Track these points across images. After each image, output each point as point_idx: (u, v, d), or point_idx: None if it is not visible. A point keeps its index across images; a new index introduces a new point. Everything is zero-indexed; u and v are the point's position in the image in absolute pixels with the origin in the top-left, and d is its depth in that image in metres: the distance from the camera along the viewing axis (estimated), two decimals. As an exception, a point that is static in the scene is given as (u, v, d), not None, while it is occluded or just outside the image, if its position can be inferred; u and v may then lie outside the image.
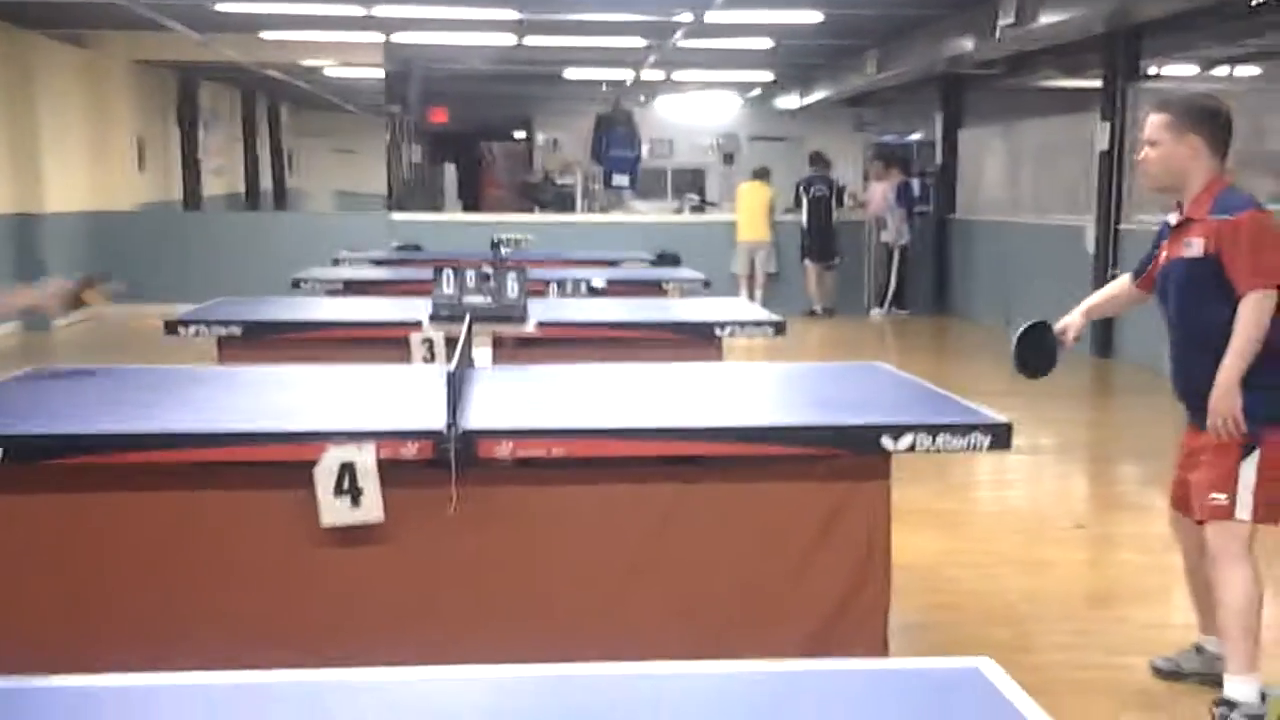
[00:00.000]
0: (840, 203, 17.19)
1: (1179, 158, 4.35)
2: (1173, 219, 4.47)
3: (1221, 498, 4.26)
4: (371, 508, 3.93)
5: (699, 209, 20.57)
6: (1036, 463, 8.73)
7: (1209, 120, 4.38)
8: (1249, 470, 4.23)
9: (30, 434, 3.97)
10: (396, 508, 3.97)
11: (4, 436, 3.86)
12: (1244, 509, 4.24)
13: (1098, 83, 13.42)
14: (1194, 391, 4.38)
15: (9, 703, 2.17)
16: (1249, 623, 4.28)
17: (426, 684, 2.30)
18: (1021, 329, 4.84)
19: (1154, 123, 4.41)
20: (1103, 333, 12.82)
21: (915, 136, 23.74)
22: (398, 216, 17.23)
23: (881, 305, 16.76)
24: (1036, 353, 4.84)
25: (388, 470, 3.92)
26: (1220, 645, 4.50)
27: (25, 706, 2.16)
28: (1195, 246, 4.30)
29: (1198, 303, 4.31)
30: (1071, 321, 4.83)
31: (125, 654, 3.68)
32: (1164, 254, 4.51)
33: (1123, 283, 4.89)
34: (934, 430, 4.08)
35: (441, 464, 3.89)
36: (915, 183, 18.04)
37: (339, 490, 3.92)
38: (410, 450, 3.92)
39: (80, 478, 3.91)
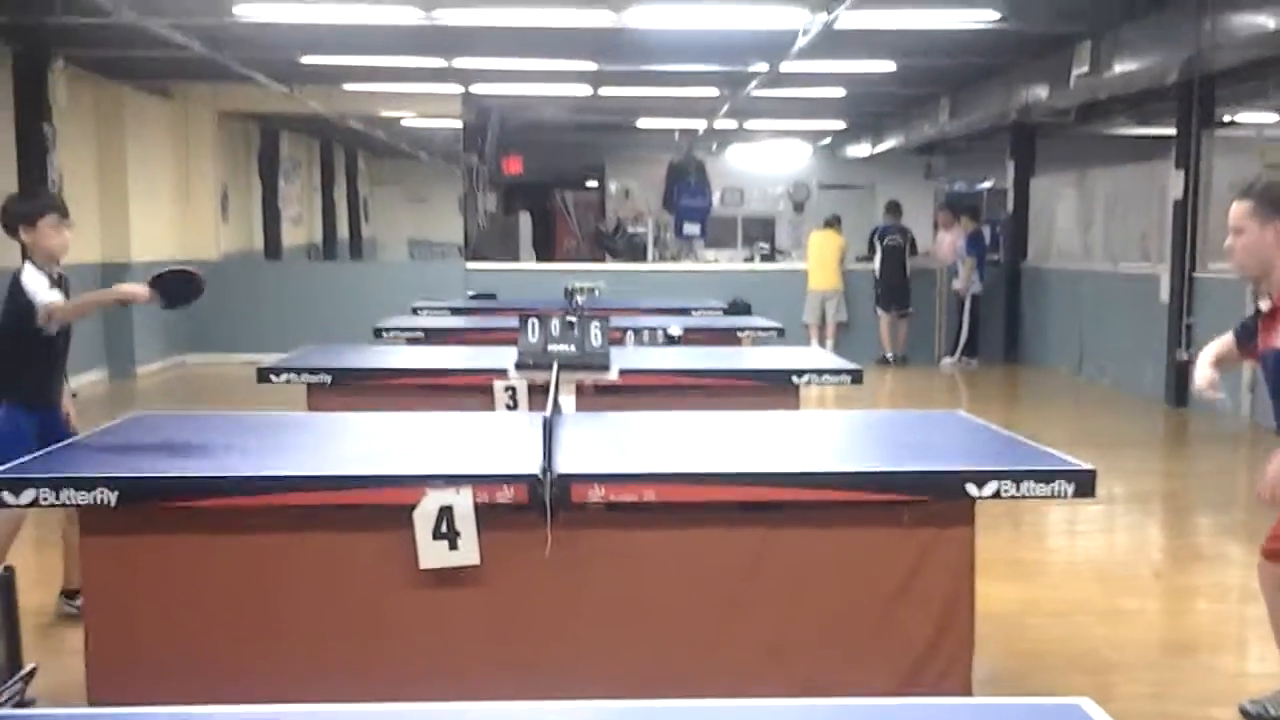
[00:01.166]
0: (914, 252, 17.22)
1: (1265, 245, 4.39)
2: (1264, 305, 4.49)
3: None
4: (469, 550, 4.06)
5: (769, 257, 20.69)
6: (1110, 512, 8.72)
7: None
8: None
9: (143, 476, 4.13)
10: (492, 550, 4.10)
11: (118, 480, 4.03)
12: None
13: (1172, 130, 13.42)
14: None
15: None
16: None
17: (520, 716, 2.39)
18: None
19: (1237, 211, 4.46)
20: (1176, 381, 12.77)
21: (986, 184, 23.73)
22: (472, 265, 17.47)
23: (953, 354, 16.75)
24: None
25: (484, 513, 4.05)
26: None
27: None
28: None
29: None
30: (1211, 378, 4.71)
31: (230, 689, 3.83)
32: (1261, 339, 4.53)
33: (1228, 341, 4.82)
34: (1018, 477, 4.16)
35: (536, 508, 4.01)
36: (986, 230, 18.03)
37: (437, 533, 4.05)
38: (506, 494, 4.05)
39: (192, 520, 4.08)
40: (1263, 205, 4.40)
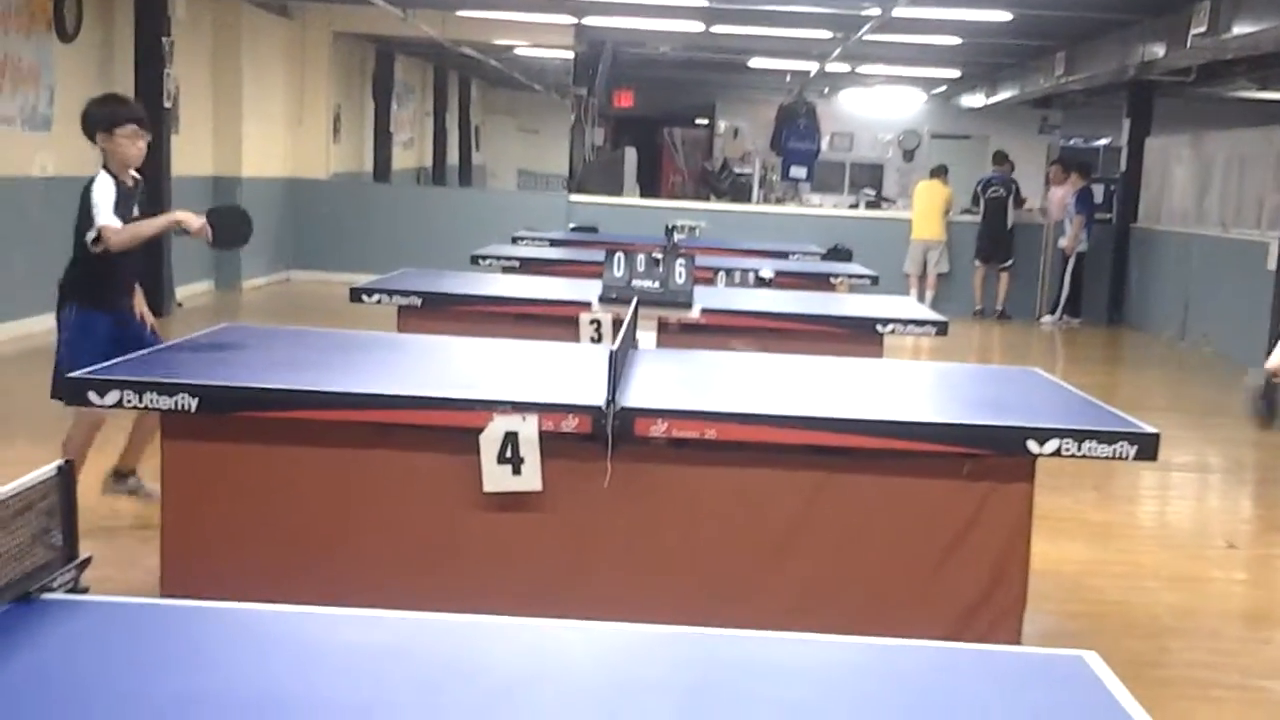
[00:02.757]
0: (1019, 204, 16.99)
1: None
2: None
3: None
4: (531, 476, 4.16)
5: (875, 205, 20.53)
6: (1201, 480, 8.64)
7: None
8: None
9: (222, 385, 4.28)
10: (554, 478, 4.20)
11: (199, 387, 4.17)
12: None
13: (1293, 96, 13.12)
14: None
15: (206, 622, 2.44)
16: None
17: (576, 633, 2.50)
18: (1260, 384, 4.81)
19: None
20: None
21: (1102, 141, 23.32)
22: (576, 198, 17.55)
23: (1054, 312, 16.55)
24: (1271, 403, 4.81)
25: (548, 442, 4.15)
26: None
27: (220, 627, 2.43)
28: None
29: None
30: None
31: (296, 595, 3.97)
32: None
33: None
34: (1080, 436, 4.15)
35: (599, 439, 4.10)
36: (1097, 189, 17.73)
37: (502, 458, 4.15)
38: (570, 423, 4.14)
39: (267, 430, 4.23)
40: None
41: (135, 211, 5.68)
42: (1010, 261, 16.75)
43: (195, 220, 5.47)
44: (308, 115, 17.55)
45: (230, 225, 5.63)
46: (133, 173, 5.72)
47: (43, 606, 2.30)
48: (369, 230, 16.79)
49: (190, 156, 14.05)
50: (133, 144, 5.63)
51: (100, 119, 5.65)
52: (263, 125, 16.03)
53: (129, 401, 4.16)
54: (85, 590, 2.40)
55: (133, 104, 6.03)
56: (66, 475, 2.35)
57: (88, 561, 2.41)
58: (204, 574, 4.19)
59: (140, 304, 5.87)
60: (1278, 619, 5.97)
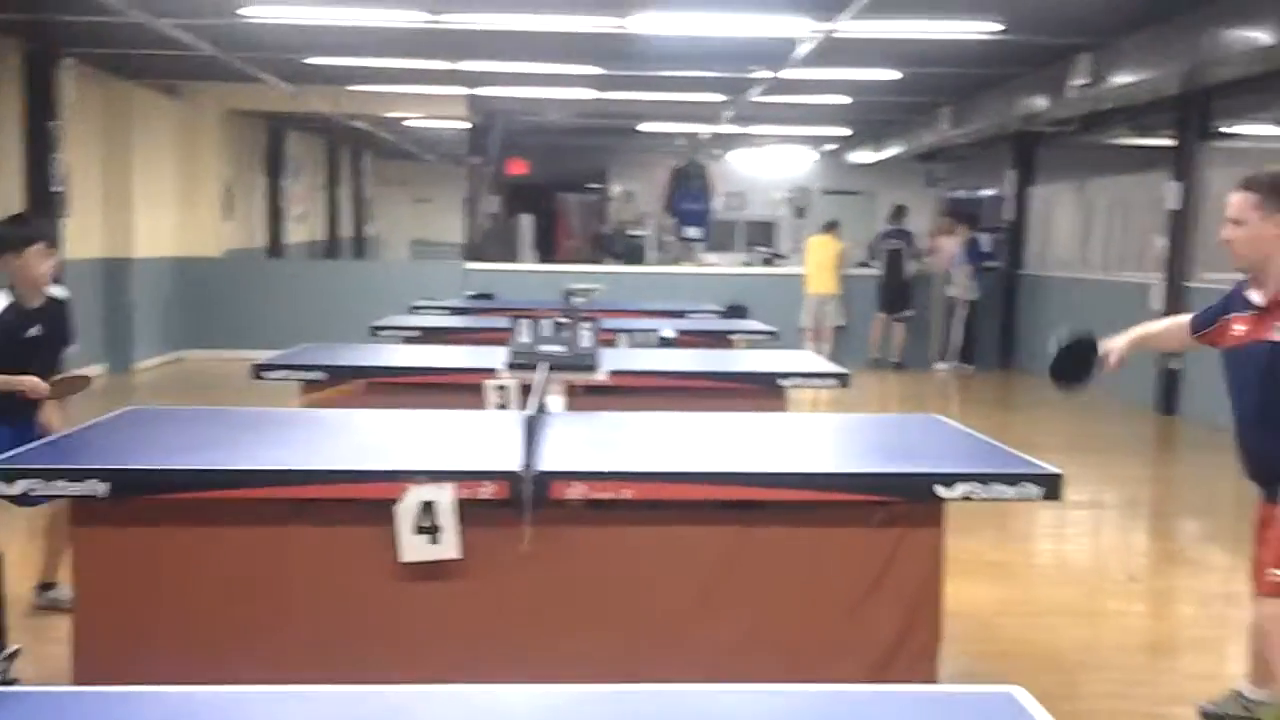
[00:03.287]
0: (916, 255, 17.34)
1: (1266, 238, 4.35)
2: (1256, 297, 4.45)
3: (1278, 574, 4.26)
4: (450, 544, 4.18)
5: (769, 262, 20.80)
6: (1097, 517, 8.84)
7: None
8: None
9: (133, 469, 4.25)
10: (473, 544, 4.22)
11: (109, 471, 4.14)
12: None
13: (1169, 142, 13.53)
14: (1270, 469, 4.40)
15: (134, 707, 2.43)
16: None
17: (493, 698, 2.52)
18: (1066, 341, 4.91)
19: (1238, 202, 4.41)
20: (1166, 390, 12.88)
21: (987, 192, 23.82)
22: (472, 266, 17.59)
23: (945, 359, 16.86)
24: (1075, 365, 4.91)
25: (465, 509, 4.17)
26: (1265, 694, 4.63)
27: (145, 712, 2.42)
28: None
29: (1277, 384, 4.32)
30: (1119, 347, 4.85)
31: (213, 676, 3.94)
32: (1237, 330, 4.50)
33: (1178, 324, 4.91)
34: (986, 479, 4.27)
35: (516, 504, 4.13)
36: (984, 238, 18.15)
37: (419, 527, 4.17)
38: (487, 490, 4.16)
39: (180, 511, 4.19)
40: (1267, 197, 4.36)
41: (37, 331, 5.70)
42: (909, 312, 17.06)
43: (41, 386, 5.60)
44: (199, 193, 17.45)
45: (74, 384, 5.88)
46: (51, 290, 5.74)
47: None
48: (263, 307, 16.68)
49: (81, 239, 13.90)
50: (41, 263, 5.67)
51: (10, 239, 5.67)
52: (154, 205, 15.90)
53: (35, 490, 4.10)
54: (15, 682, 2.39)
55: (41, 223, 6.09)
56: (-4, 566, 2.35)
57: (16, 653, 2.40)
58: (119, 660, 4.14)
59: (48, 413, 5.81)
60: (1180, 648, 6.13)
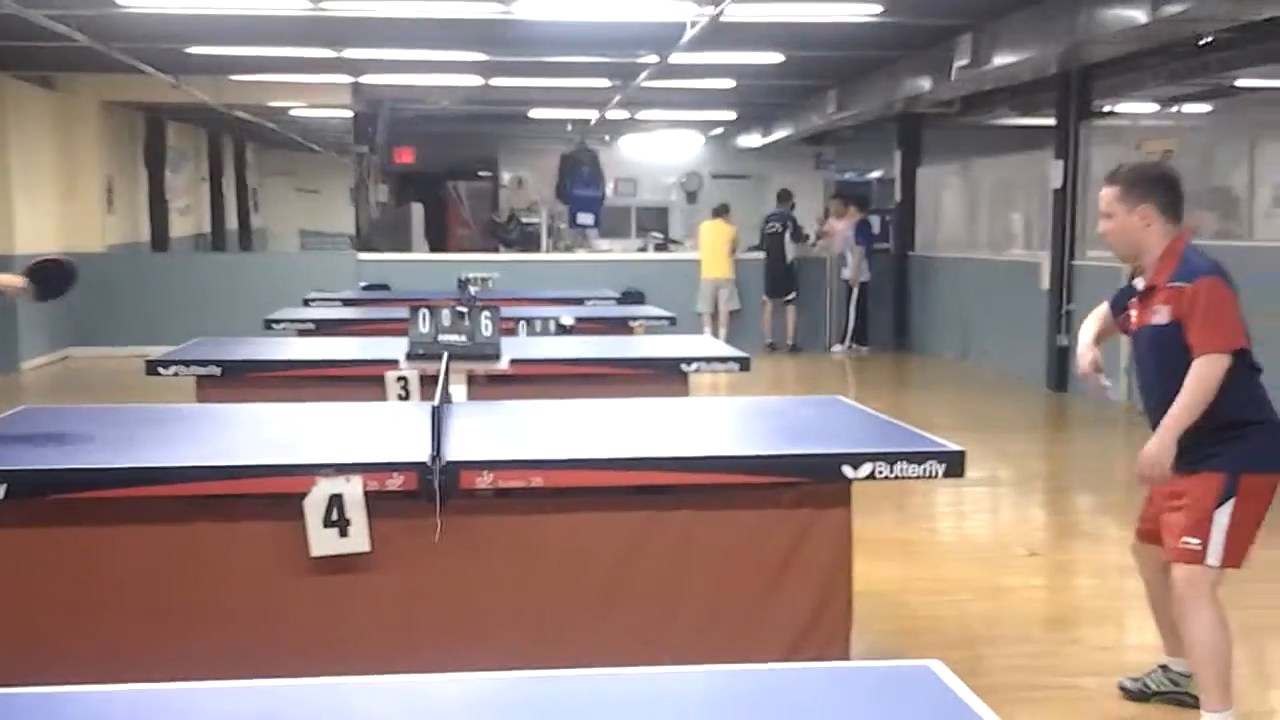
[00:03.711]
0: (798, 239, 17.47)
1: (1134, 228, 4.50)
2: (1139, 284, 4.63)
3: (1194, 542, 4.39)
4: (359, 537, 4.13)
5: (663, 247, 20.85)
6: (994, 494, 8.99)
7: (1158, 186, 4.53)
8: (1223, 516, 4.37)
9: (29, 469, 4.15)
10: (383, 537, 4.17)
11: (5, 473, 4.03)
12: (1215, 554, 4.38)
13: (1052, 121, 13.77)
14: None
15: (36, 708, 2.37)
16: (1220, 662, 4.45)
17: (411, 688, 2.50)
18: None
19: (1105, 196, 4.57)
20: (1056, 366, 13.13)
21: (875, 174, 24.10)
22: (364, 256, 17.41)
23: (842, 342, 17.04)
24: None
25: (374, 501, 4.13)
26: (1189, 670, 4.74)
27: (48, 713, 2.36)
28: (1162, 314, 4.46)
29: (1169, 365, 4.45)
30: (1092, 357, 4.88)
31: (121, 678, 3.86)
32: (1132, 315, 4.66)
33: (1103, 312, 5.00)
34: (891, 459, 4.32)
35: (426, 495, 4.09)
36: (874, 220, 18.35)
37: (328, 521, 4.11)
38: (396, 482, 4.12)
39: (80, 512, 4.10)
40: (1129, 189, 4.51)
41: None
42: (793, 295, 17.20)
43: (15, 280, 5.26)
44: (79, 187, 17.05)
45: (51, 275, 5.38)
46: None
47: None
48: (151, 301, 16.38)
49: (-42, 235, 13.54)
50: None
51: None
52: (33, 200, 15.50)
53: (-70, 493, 3.99)
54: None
55: None
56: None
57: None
58: (20, 663, 4.03)
59: None
60: (1082, 620, 6.25)
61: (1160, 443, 4.40)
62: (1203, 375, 4.33)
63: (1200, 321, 4.34)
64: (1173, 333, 4.42)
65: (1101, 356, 4.87)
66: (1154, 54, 12.53)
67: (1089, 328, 5.02)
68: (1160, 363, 4.53)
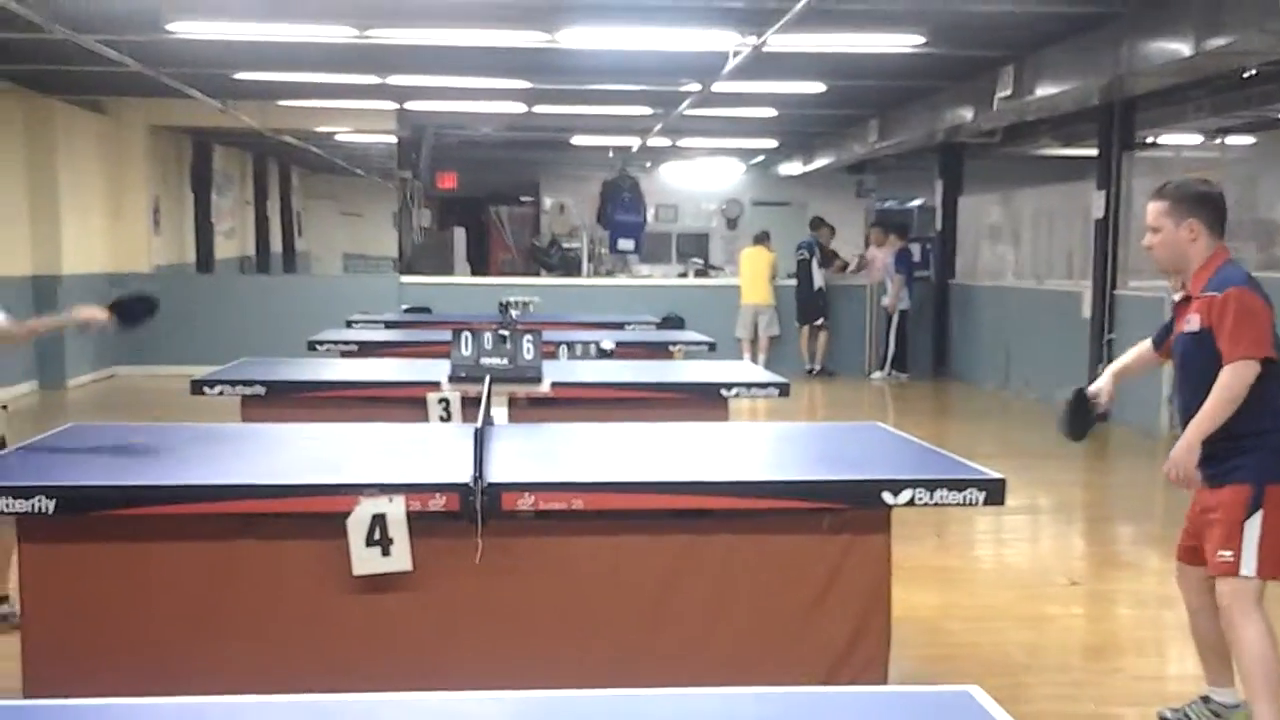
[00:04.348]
0: (825, 264, 17.48)
1: (1180, 241, 4.62)
2: (1177, 296, 4.74)
3: (1228, 554, 4.46)
4: (401, 557, 4.17)
5: (703, 273, 20.90)
6: (1033, 522, 8.96)
7: (1205, 203, 4.65)
8: (1254, 527, 4.43)
9: (79, 485, 4.22)
10: (424, 557, 4.21)
11: (55, 488, 4.10)
12: (1249, 565, 4.44)
13: (1094, 152, 13.74)
14: (1205, 454, 4.53)
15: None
16: (1269, 675, 4.46)
17: (451, 705, 2.53)
18: (1066, 399, 5.07)
19: (1154, 210, 4.68)
20: (1099, 396, 13.06)
21: (916, 202, 24.09)
22: (407, 279, 17.53)
23: (882, 368, 17.01)
24: (1078, 418, 5.09)
25: (416, 521, 4.17)
26: (1233, 695, 4.73)
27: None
28: (1194, 322, 4.56)
29: (1200, 372, 4.53)
30: (1104, 386, 5.04)
31: (165, 692, 3.91)
32: (1175, 326, 4.76)
33: (1144, 348, 5.11)
34: (932, 485, 4.33)
35: (467, 515, 4.13)
36: (915, 248, 18.34)
37: (370, 540, 4.16)
38: (438, 502, 4.17)
39: (128, 528, 4.16)
40: (1177, 203, 4.62)
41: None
42: (822, 320, 17.21)
43: (99, 313, 5.40)
44: (126, 209, 17.25)
45: (134, 306, 5.54)
46: None
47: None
48: (195, 322, 16.51)
49: (7, 256, 13.74)
50: None
51: None
52: (81, 221, 15.71)
53: (-18, 508, 4.06)
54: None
55: None
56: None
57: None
58: (69, 675, 4.10)
59: None
60: (1123, 649, 6.22)
61: (1185, 444, 4.50)
62: (1229, 381, 4.41)
63: (1230, 329, 4.43)
64: (1202, 340, 4.51)
65: (1113, 390, 5.00)
66: (1197, 86, 12.51)
67: (1119, 362, 5.16)
68: (1189, 371, 4.63)
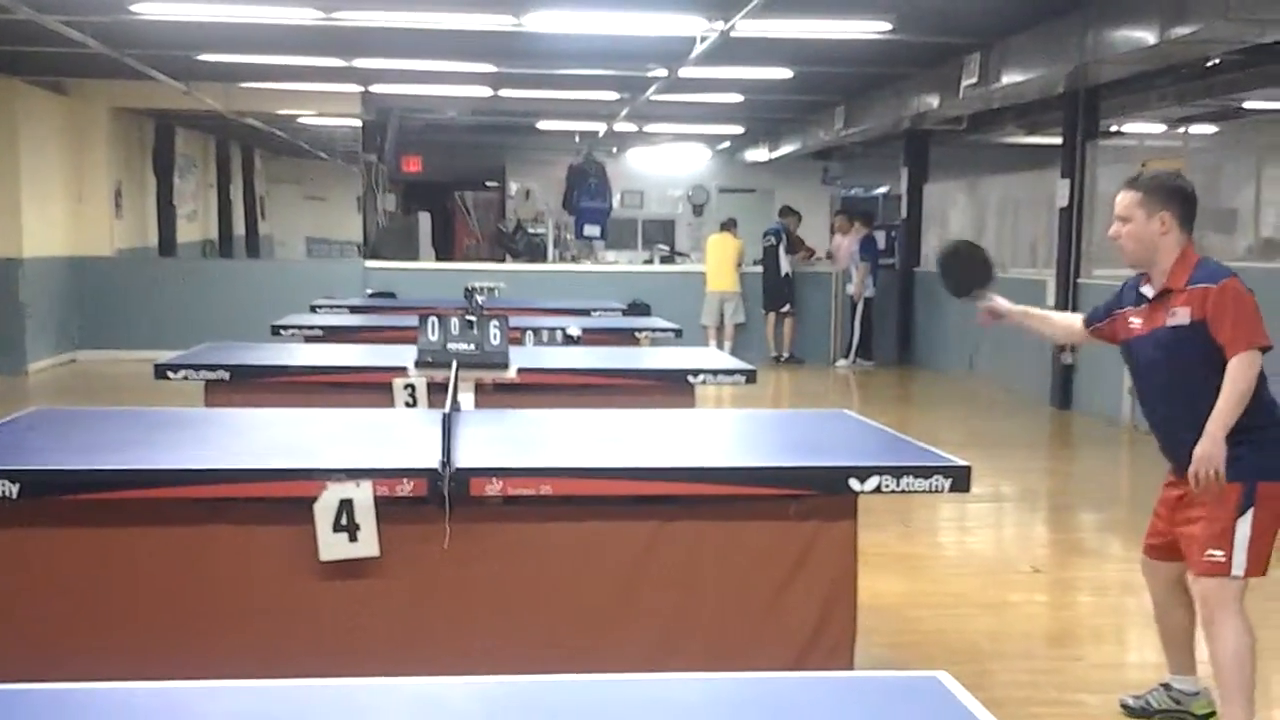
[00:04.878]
0: (791, 251, 17.50)
1: (1151, 233, 4.57)
2: (1148, 291, 4.65)
3: (1218, 554, 4.42)
4: (369, 542, 4.16)
5: (669, 259, 20.91)
6: (997, 510, 9.01)
7: (1178, 197, 4.61)
8: (1244, 527, 4.40)
9: (42, 469, 4.18)
10: (391, 542, 4.20)
11: (18, 472, 4.06)
12: (1239, 565, 4.41)
13: (1059, 140, 13.81)
14: (1185, 449, 4.49)
15: (48, 704, 2.41)
16: (1245, 674, 4.46)
17: (428, 690, 2.52)
18: (961, 249, 5.12)
19: (1125, 200, 4.63)
20: (1061, 384, 13.16)
21: (881, 190, 24.15)
22: (371, 264, 17.47)
23: (847, 356, 17.07)
24: (968, 271, 5.12)
25: (383, 507, 4.15)
26: (1194, 683, 4.78)
27: (62, 708, 2.41)
28: (1181, 315, 4.49)
29: (1187, 366, 4.49)
30: (1007, 306, 5.10)
31: (130, 678, 3.89)
32: (1134, 323, 4.69)
33: (1071, 319, 5.16)
34: (898, 472, 4.35)
35: (435, 501, 4.12)
36: (880, 236, 18.39)
37: (337, 526, 4.14)
38: (406, 488, 4.15)
39: (93, 512, 4.13)
40: (1149, 195, 4.58)
41: None
42: (788, 307, 17.25)
43: None
44: (88, 192, 17.10)
45: None
46: None
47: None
48: (158, 306, 16.45)
49: (-32, 238, 13.59)
50: None
51: None
52: (42, 204, 15.56)
53: (-56, 491, 4.02)
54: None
55: None
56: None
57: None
58: (33, 660, 4.06)
59: None
60: (1085, 637, 6.27)
61: (1211, 439, 4.39)
62: (1241, 372, 4.36)
63: (1232, 320, 4.39)
64: (1193, 333, 4.46)
65: (999, 316, 5.17)
66: (1162, 75, 12.59)
67: (1035, 310, 5.30)
68: (1173, 364, 4.55)
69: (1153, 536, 4.84)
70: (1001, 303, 5.13)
